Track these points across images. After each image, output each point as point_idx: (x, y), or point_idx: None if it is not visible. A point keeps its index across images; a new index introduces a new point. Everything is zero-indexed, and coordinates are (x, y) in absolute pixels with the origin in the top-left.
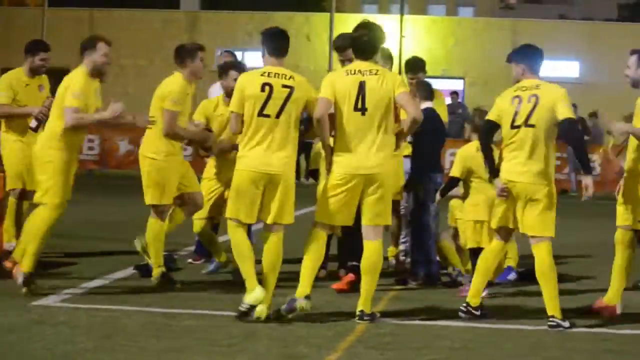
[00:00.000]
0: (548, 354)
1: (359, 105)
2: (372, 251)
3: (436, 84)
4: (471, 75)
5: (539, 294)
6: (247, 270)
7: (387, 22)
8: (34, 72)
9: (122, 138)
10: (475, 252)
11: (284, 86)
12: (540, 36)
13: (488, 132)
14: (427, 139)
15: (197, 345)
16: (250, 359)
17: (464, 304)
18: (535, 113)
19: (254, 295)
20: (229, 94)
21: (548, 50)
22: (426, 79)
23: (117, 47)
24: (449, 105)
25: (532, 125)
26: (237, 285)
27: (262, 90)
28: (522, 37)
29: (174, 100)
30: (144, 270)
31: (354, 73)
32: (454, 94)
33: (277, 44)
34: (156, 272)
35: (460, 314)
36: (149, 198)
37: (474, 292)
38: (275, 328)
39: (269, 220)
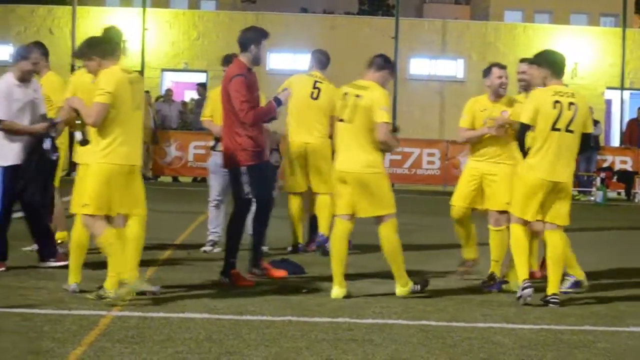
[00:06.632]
0: (291, 344)
1: None
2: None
3: (179, 77)
4: (214, 68)
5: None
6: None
7: (130, 15)
8: None
9: None
10: None
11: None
12: (283, 29)
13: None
14: None
15: None
16: None
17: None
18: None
19: None
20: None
21: (290, 44)
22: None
23: None
24: (197, 100)
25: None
26: None
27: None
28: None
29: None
30: None
31: None
32: (201, 85)
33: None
34: None
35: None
36: None
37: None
38: (19, 323)
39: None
